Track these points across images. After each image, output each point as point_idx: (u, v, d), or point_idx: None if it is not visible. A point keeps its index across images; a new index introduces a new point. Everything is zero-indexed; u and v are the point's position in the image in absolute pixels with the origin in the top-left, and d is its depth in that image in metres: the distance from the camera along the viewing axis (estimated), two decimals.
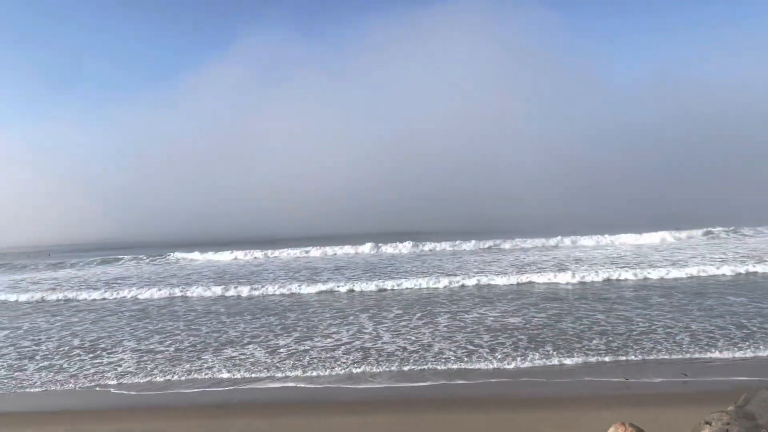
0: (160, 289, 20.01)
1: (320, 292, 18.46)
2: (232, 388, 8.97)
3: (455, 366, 9.46)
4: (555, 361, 9.45)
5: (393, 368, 9.52)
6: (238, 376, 9.66)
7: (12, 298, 20.75)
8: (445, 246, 30.31)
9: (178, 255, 33.86)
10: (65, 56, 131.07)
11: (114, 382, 9.79)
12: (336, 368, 9.74)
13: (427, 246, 30.45)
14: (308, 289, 18.68)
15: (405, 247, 30.30)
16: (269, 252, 31.90)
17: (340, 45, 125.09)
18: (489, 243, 30.14)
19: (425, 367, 9.50)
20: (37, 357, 12.00)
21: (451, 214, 52.05)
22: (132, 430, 6.76)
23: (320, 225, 51.35)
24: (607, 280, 17.93)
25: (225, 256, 32.06)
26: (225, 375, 9.79)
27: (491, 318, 13.21)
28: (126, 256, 35.55)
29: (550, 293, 16.27)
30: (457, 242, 30.50)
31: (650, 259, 22.31)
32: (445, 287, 18.15)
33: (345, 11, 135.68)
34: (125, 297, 19.49)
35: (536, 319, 12.83)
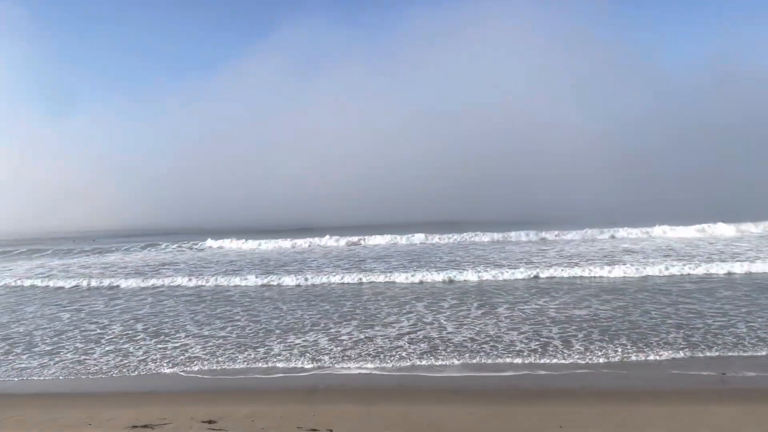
0: (210, 276, 20.20)
1: (370, 283, 18.27)
2: (312, 373, 8.95)
3: (534, 357, 9.24)
4: (637, 354, 9.14)
5: (470, 358, 9.35)
6: (313, 364, 9.60)
7: (68, 283, 21.19)
8: (492, 236, 29.84)
9: (221, 242, 34.20)
10: (103, 50, 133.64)
11: (197, 367, 9.84)
12: (411, 357, 9.62)
13: (471, 236, 30.07)
14: (351, 278, 18.47)
15: (448, 238, 30.02)
16: (314, 239, 31.92)
17: (382, 34, 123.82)
18: (534, 233, 29.59)
19: (505, 359, 9.29)
20: (103, 341, 12.18)
21: (493, 203, 51.49)
22: (229, 413, 6.75)
23: (361, 214, 51.36)
24: (670, 275, 17.16)
25: (269, 245, 32.24)
26: (298, 361, 9.77)
27: (553, 310, 12.94)
28: (168, 243, 36.05)
29: (607, 286, 15.83)
30: (502, 233, 29.93)
31: (705, 252, 21.59)
32: (494, 278, 17.78)
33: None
34: (179, 284, 19.64)
35: (602, 311, 12.50)
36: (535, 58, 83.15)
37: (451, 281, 17.62)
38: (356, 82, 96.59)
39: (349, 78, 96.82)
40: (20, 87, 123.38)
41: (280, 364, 9.64)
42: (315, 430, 6.03)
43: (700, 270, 17.25)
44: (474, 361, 9.24)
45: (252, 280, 19.05)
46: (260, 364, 9.72)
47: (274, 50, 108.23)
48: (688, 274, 17.07)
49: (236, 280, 19.23)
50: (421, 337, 11.04)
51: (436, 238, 30.23)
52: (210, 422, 6.43)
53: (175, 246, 34.63)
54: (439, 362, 9.26)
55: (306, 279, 18.78)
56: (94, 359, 10.72)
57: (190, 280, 19.79)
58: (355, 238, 31.04)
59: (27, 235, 58.14)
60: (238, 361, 10.01)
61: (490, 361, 9.22)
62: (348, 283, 18.13)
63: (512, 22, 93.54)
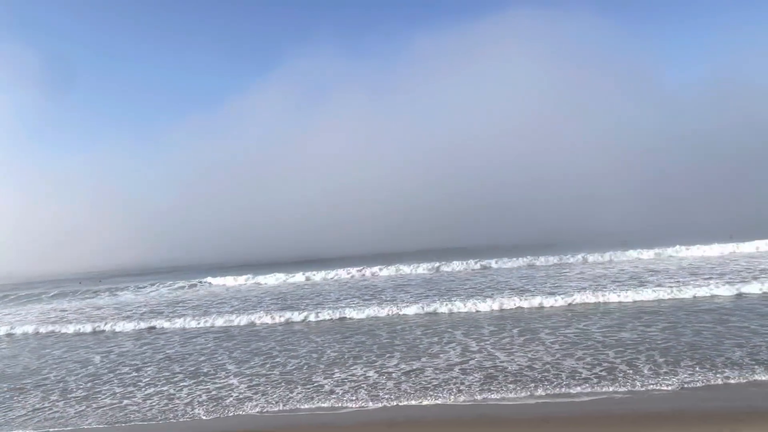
0: (230, 313, 19.79)
1: (398, 315, 17.87)
2: (380, 405, 8.64)
3: (604, 383, 8.95)
4: (714, 374, 8.86)
5: (536, 388, 9.04)
6: (376, 399, 9.27)
7: (86, 327, 20.68)
8: (516, 263, 29.40)
9: (223, 280, 33.61)
10: (104, 88, 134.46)
11: (256, 409, 9.48)
12: (473, 386, 9.32)
13: (486, 262, 29.79)
14: (382, 311, 18.00)
15: (461, 265, 29.74)
16: (325, 273, 31.51)
17: (386, 61, 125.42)
18: (556, 258, 29.25)
19: (574, 387, 8.99)
20: (141, 383, 11.78)
21: (502, 227, 51.31)
22: None
23: (369, 243, 51.01)
24: (694, 297, 16.67)
25: (276, 279, 31.71)
26: (354, 396, 9.43)
27: (597, 333, 12.65)
28: (177, 281, 35.57)
29: (643, 308, 15.51)
30: (520, 258, 29.68)
31: (732, 270, 21.41)
32: (521, 305, 17.22)
33: (391, 27, 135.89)
34: (209, 324, 19.09)
35: (651, 333, 12.21)
36: (538, 80, 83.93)
37: (477, 311, 17.08)
38: (361, 111, 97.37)
39: (354, 107, 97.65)
40: (20, 128, 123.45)
41: (348, 402, 9.30)
42: None
43: (730, 289, 16.81)
44: (541, 391, 8.92)
45: (276, 317, 18.55)
46: (323, 402, 9.37)
47: (277, 83, 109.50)
48: (717, 296, 16.62)
49: (263, 316, 18.72)
50: (473, 366, 10.72)
51: (448, 267, 29.82)
52: None
53: (183, 283, 34.07)
54: (505, 393, 8.94)
55: (336, 311, 18.37)
56: (137, 403, 10.33)
57: (207, 319, 19.33)
58: (375, 268, 30.59)
59: (30, 278, 57.39)
60: (294, 399, 9.65)
61: (560, 390, 8.90)
62: (378, 317, 17.65)
63: (515, 45, 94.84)
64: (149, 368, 13.14)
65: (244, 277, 32.90)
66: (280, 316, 18.40)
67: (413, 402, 8.80)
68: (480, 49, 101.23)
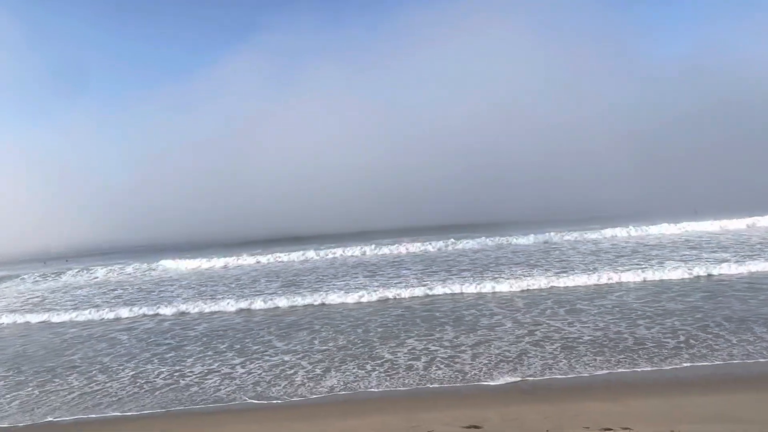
0: (260, 298, 19.03)
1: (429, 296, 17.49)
2: (514, 379, 8.43)
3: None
4: None
5: (630, 355, 9.07)
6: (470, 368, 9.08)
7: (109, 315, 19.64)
8: (532, 238, 29.07)
9: (229, 259, 32.18)
10: (71, 58, 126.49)
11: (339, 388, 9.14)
12: (558, 356, 9.27)
13: (508, 239, 29.28)
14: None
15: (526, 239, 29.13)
16: (326, 251, 30.70)
17: (368, 33, 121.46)
18: (578, 233, 29.01)
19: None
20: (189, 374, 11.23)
21: (493, 204, 51.57)
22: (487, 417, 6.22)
23: (356, 222, 50.44)
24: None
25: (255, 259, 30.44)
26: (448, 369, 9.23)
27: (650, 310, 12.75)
28: (166, 261, 34.16)
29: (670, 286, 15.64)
30: (541, 235, 29.24)
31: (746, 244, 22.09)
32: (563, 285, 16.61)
33: None
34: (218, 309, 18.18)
35: (702, 306, 12.45)
36: (525, 53, 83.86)
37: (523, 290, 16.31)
38: (340, 84, 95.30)
39: (333, 80, 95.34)
40: None
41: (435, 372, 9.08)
42: (609, 429, 5.67)
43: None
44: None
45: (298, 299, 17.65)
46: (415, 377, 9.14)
47: (250, 54, 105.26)
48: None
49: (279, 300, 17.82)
50: (542, 337, 10.68)
51: (465, 243, 29.32)
52: (474, 427, 5.97)
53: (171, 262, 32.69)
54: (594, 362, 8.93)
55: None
56: (196, 383, 9.83)
57: (212, 302, 18.66)
58: (365, 246, 30.02)
59: None
60: (378, 376, 9.38)
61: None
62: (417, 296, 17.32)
63: (502, 18, 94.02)
64: (189, 346, 12.57)
65: (240, 256, 31.72)
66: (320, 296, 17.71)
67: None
68: (464, 22, 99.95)
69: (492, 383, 8.36)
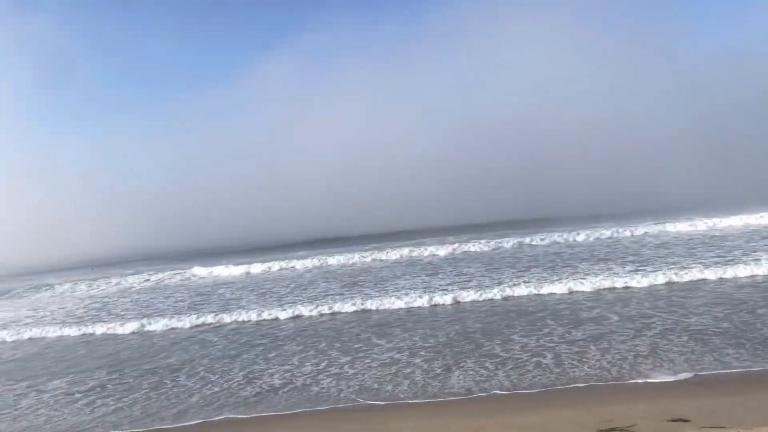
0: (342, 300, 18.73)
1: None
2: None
3: None
4: None
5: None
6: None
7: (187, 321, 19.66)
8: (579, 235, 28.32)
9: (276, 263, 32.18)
10: (109, 63, 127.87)
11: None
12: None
13: (560, 236, 28.54)
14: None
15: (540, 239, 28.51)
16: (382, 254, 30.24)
17: (406, 31, 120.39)
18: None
19: None
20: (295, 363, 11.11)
21: (526, 203, 50.99)
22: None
23: (397, 221, 50.25)
24: None
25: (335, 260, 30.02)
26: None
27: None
28: (218, 267, 34.37)
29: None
30: (590, 231, 28.54)
31: None
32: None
33: None
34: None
35: None
36: (558, 47, 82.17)
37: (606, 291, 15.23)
38: (380, 83, 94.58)
39: (368, 80, 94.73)
40: (19, 102, 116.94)
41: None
42: None
43: None
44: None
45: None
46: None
47: (287, 56, 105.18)
48: None
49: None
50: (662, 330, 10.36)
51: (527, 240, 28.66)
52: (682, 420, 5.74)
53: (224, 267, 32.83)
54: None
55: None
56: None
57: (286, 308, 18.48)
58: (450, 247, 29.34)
59: (25, 267, 55.31)
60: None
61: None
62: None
63: (540, 12, 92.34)
64: (286, 346, 12.48)
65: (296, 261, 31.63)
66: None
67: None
68: (501, 18, 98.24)
69: (656, 380, 8.01)
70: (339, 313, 15.79)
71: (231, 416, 8.57)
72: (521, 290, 15.81)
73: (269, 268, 29.06)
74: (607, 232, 27.52)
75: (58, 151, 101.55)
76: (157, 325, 16.67)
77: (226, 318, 16.53)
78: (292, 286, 21.86)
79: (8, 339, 17.49)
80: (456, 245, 28.62)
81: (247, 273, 28.84)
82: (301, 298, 18.42)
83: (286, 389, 9.60)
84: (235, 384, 10.18)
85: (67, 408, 9.91)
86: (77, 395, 10.58)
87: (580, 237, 27.45)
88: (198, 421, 8.53)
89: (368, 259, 28.39)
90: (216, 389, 10.05)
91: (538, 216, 43.24)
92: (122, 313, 20.03)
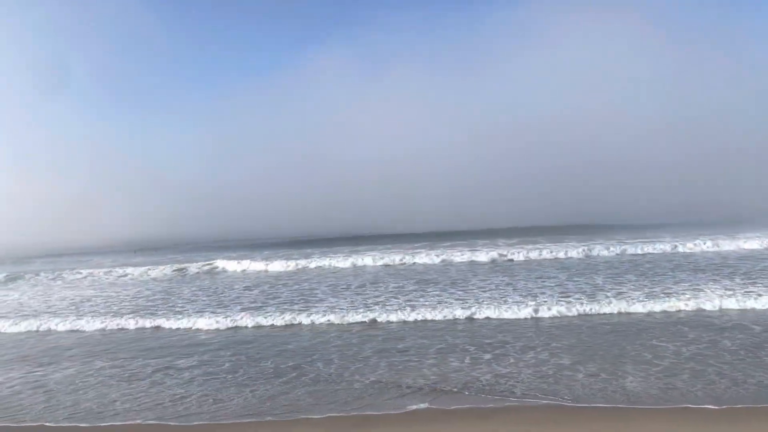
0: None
1: None
2: None
3: None
4: None
5: None
6: None
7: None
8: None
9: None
10: (160, 55, 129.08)
11: None
12: None
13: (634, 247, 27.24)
14: None
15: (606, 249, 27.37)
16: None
17: (457, 34, 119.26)
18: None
19: None
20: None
21: (578, 206, 49.84)
22: None
23: (436, 221, 49.34)
24: None
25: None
26: None
27: None
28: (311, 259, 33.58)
29: None
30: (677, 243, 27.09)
31: None
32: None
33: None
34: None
35: None
36: (618, 55, 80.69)
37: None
38: (424, 87, 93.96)
39: (417, 82, 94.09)
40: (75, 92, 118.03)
41: None
42: None
43: None
44: None
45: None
46: None
47: (336, 54, 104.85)
48: None
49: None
50: None
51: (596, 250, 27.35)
52: None
53: (280, 258, 31.99)
54: None
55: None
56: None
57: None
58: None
59: (69, 248, 55.16)
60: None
61: None
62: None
63: (593, 19, 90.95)
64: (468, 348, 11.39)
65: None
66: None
67: None
68: (560, 20, 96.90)
69: None
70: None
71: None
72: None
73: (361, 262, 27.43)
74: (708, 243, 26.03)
75: (104, 140, 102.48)
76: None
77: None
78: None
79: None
80: (583, 248, 26.93)
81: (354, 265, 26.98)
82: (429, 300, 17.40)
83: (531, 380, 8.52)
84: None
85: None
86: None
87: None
88: None
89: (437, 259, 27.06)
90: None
91: (603, 222, 42.01)
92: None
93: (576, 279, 18.21)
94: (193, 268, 28.79)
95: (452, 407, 7.64)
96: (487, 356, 10.09)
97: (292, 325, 14.02)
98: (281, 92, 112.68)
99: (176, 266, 29.25)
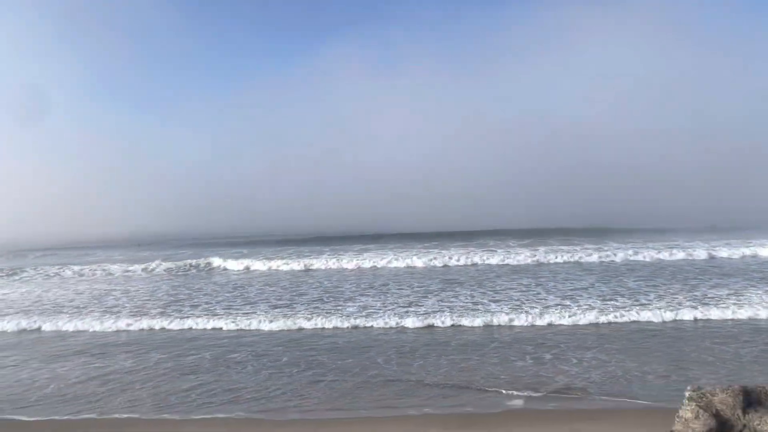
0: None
1: None
2: None
3: None
4: None
5: None
6: None
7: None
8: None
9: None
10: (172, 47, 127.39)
11: None
12: None
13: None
14: None
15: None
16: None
17: (479, 38, 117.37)
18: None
19: None
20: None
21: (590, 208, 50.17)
22: None
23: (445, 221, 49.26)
24: None
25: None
26: None
27: None
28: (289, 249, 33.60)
29: None
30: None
31: None
32: None
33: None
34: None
35: None
36: (635, 56, 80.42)
37: None
38: (443, 82, 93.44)
39: (431, 84, 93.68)
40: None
41: None
42: None
43: None
44: None
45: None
46: None
47: (347, 52, 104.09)
48: None
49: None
50: None
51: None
52: None
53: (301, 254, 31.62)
54: None
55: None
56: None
57: None
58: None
59: (75, 241, 54.89)
60: None
61: None
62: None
63: (616, 21, 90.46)
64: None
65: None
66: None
67: None
68: (582, 23, 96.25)
69: None
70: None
71: None
72: None
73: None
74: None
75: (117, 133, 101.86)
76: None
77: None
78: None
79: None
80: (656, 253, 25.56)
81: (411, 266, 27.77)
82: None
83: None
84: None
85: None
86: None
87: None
88: None
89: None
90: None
91: (616, 225, 41.95)
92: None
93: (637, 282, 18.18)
94: (214, 262, 28.35)
95: (548, 406, 7.88)
96: (574, 360, 10.14)
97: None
98: (292, 90, 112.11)
99: (190, 261, 28.75)
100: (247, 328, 14.02)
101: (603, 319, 13.30)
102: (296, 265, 26.67)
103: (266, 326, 14.06)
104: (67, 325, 15.27)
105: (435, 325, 13.42)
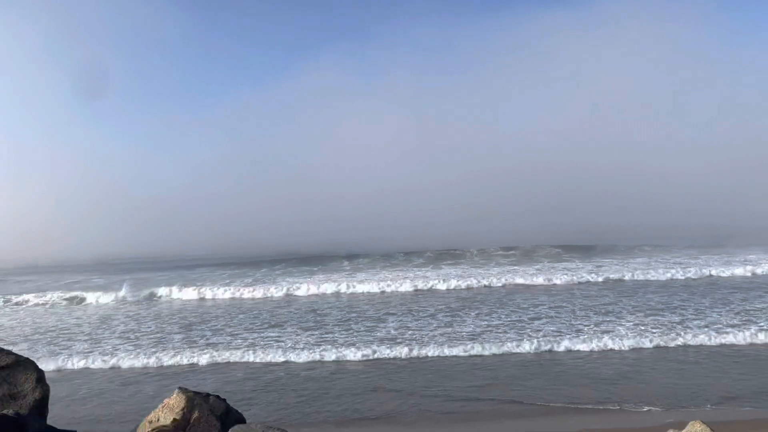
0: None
1: None
2: None
3: None
4: None
5: None
6: None
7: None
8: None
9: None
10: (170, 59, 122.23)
11: None
12: None
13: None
14: None
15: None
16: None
17: (461, 49, 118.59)
18: None
19: None
20: None
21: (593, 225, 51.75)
22: None
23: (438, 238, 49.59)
24: None
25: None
26: None
27: None
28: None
29: None
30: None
31: None
32: None
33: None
34: None
35: None
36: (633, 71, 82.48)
37: None
38: (425, 97, 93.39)
39: (417, 93, 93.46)
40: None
41: None
42: None
43: None
44: None
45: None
46: None
47: (335, 65, 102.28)
48: None
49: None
50: None
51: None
52: None
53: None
54: None
55: None
56: None
57: None
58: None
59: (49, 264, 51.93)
60: None
61: None
62: None
63: (608, 34, 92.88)
64: None
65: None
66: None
67: None
68: (573, 39, 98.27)
69: None
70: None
71: None
72: None
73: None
74: None
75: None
76: None
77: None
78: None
79: None
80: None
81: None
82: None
83: None
84: None
85: None
86: None
87: None
88: None
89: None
90: None
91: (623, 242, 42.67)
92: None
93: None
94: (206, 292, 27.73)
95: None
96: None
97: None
98: (274, 105, 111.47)
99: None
100: None
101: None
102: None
103: None
104: None
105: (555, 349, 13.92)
